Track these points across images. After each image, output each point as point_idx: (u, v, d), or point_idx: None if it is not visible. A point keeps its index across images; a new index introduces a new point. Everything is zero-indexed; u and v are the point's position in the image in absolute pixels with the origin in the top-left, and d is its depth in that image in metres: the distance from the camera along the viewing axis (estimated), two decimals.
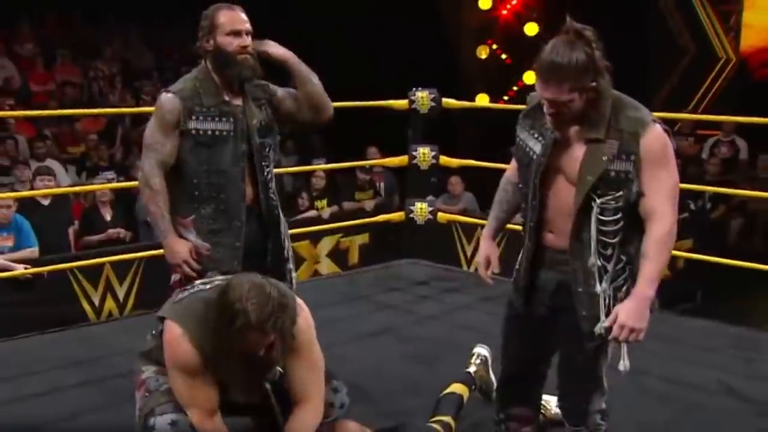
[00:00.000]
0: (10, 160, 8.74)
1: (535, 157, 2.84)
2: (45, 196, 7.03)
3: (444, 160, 6.15)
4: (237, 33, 3.35)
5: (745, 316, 6.21)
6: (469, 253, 7.86)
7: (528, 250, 2.96)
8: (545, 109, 2.75)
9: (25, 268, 5.80)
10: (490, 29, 13.04)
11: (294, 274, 3.66)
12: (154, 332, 2.99)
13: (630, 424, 3.69)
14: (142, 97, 11.24)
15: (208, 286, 2.90)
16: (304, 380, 2.88)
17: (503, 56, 13.04)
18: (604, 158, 2.70)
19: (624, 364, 2.83)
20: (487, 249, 3.13)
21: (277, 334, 2.65)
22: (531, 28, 12.69)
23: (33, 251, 6.36)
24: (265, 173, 3.47)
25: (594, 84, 2.68)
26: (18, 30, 11.54)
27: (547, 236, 2.91)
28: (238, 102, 3.42)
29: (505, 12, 12.91)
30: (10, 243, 6.33)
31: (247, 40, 3.37)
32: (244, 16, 3.40)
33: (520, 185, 2.97)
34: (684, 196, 8.99)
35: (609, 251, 2.76)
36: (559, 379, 3.00)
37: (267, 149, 3.48)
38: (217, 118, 3.36)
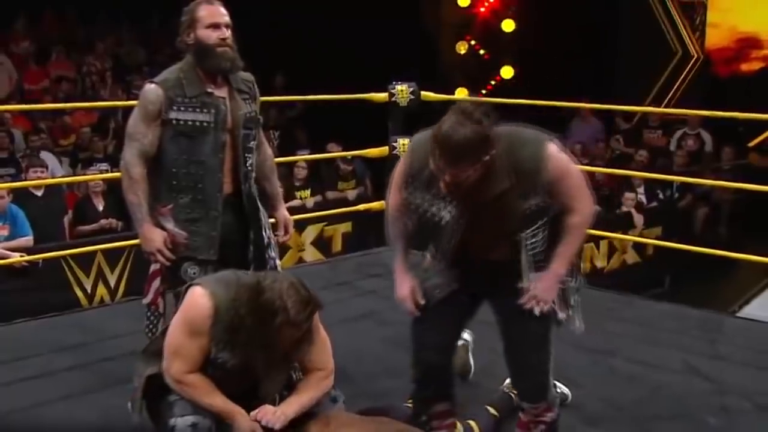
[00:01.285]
0: (6, 153, 8.71)
1: (444, 222, 2.85)
2: (38, 187, 6.99)
3: None
4: (216, 26, 3.31)
5: (709, 300, 6.26)
6: None
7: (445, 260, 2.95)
8: (441, 182, 2.75)
9: (21, 256, 5.79)
10: (468, 26, 13.03)
11: (278, 262, 3.62)
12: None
13: (599, 403, 3.71)
14: (132, 91, 11.19)
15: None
16: (314, 354, 2.89)
17: (481, 51, 13.04)
18: (517, 203, 2.77)
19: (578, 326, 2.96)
20: (407, 283, 3.02)
21: (306, 331, 2.70)
22: (508, 25, 12.71)
23: (28, 240, 6.34)
24: (247, 164, 3.43)
25: (488, 157, 2.67)
26: (14, 28, 11.48)
27: (470, 254, 2.93)
28: (222, 94, 3.38)
29: (483, 9, 12.90)
30: (5, 232, 6.31)
31: (226, 33, 3.33)
32: (223, 9, 3.36)
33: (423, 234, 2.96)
34: (653, 186, 9.08)
35: (538, 249, 2.85)
36: (513, 363, 2.99)
37: (250, 142, 3.44)
38: (198, 109, 3.32)
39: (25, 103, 9.86)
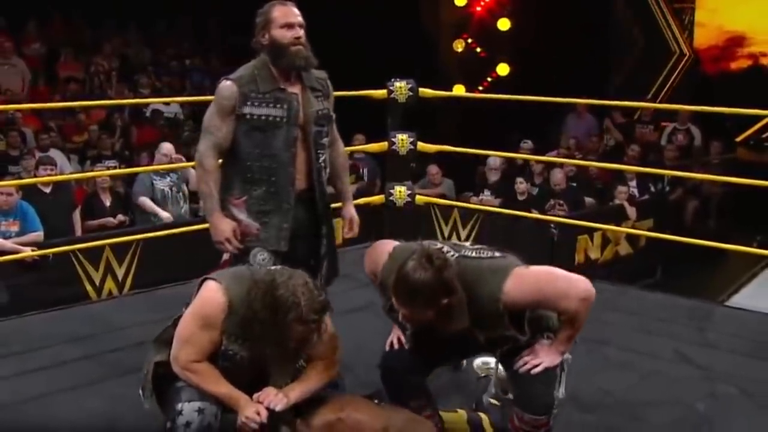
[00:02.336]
0: (18, 151, 8.73)
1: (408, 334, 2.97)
2: (46, 184, 6.99)
3: (421, 146, 6.13)
4: (290, 26, 3.33)
5: (699, 290, 6.26)
6: (446, 234, 7.88)
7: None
8: (400, 317, 2.81)
9: (32, 251, 5.80)
10: (465, 24, 13.03)
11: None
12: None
13: (592, 390, 3.72)
14: (139, 90, 11.21)
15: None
16: (321, 346, 2.90)
17: (478, 49, 13.03)
18: (481, 336, 2.81)
19: (561, 391, 2.91)
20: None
21: (317, 330, 2.71)
22: (503, 24, 12.71)
23: (38, 235, 6.34)
24: (320, 160, 3.42)
25: (447, 301, 2.68)
26: (26, 31, 11.48)
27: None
28: (295, 90, 3.38)
29: (479, 8, 12.90)
30: (16, 228, 6.31)
31: (300, 32, 3.34)
32: (296, 10, 3.38)
33: None
34: (645, 179, 9.08)
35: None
36: (516, 375, 2.93)
37: (322, 138, 3.43)
38: (271, 104, 3.32)
39: (37, 101, 9.83)
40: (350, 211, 3.71)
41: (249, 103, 3.31)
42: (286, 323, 2.64)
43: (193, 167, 7.84)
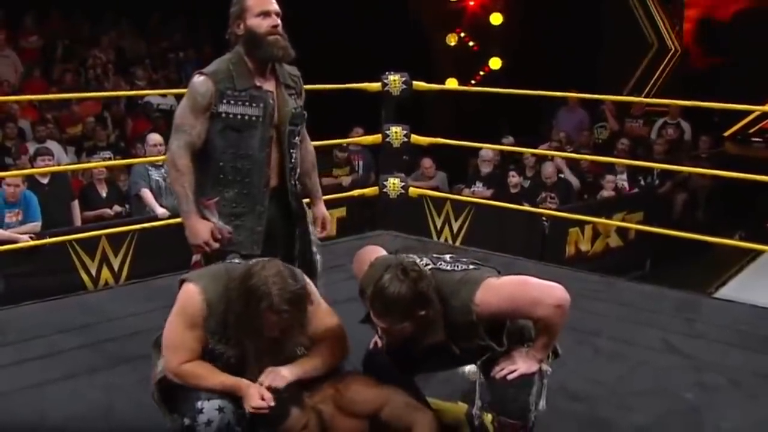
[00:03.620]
0: (13, 143, 8.70)
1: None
2: (44, 175, 6.98)
3: (415, 138, 6.13)
4: (266, 14, 3.17)
5: (687, 282, 6.27)
6: (438, 226, 7.88)
7: None
8: (378, 330, 2.80)
9: (31, 238, 5.82)
10: (458, 19, 13.03)
11: (318, 257, 3.49)
12: None
13: (583, 380, 3.72)
14: (135, 82, 11.17)
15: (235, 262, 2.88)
16: (321, 326, 2.87)
17: (470, 44, 13.03)
18: (456, 351, 2.78)
19: (542, 404, 2.87)
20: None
21: (294, 319, 2.67)
22: (496, 18, 12.71)
23: (36, 225, 6.34)
24: (292, 159, 3.31)
25: (423, 313, 2.66)
26: (23, 24, 11.44)
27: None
28: (270, 88, 3.25)
29: (472, 3, 12.90)
30: (19, 218, 6.31)
31: (277, 21, 3.19)
32: None
33: None
34: (634, 172, 9.09)
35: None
36: (492, 379, 2.88)
37: (295, 137, 3.32)
38: (247, 103, 3.18)
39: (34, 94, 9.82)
40: (321, 209, 3.59)
41: (225, 101, 3.17)
42: (259, 313, 2.61)
43: None
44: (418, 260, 2.82)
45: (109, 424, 3.30)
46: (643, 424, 3.43)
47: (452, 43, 13.00)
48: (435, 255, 2.94)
